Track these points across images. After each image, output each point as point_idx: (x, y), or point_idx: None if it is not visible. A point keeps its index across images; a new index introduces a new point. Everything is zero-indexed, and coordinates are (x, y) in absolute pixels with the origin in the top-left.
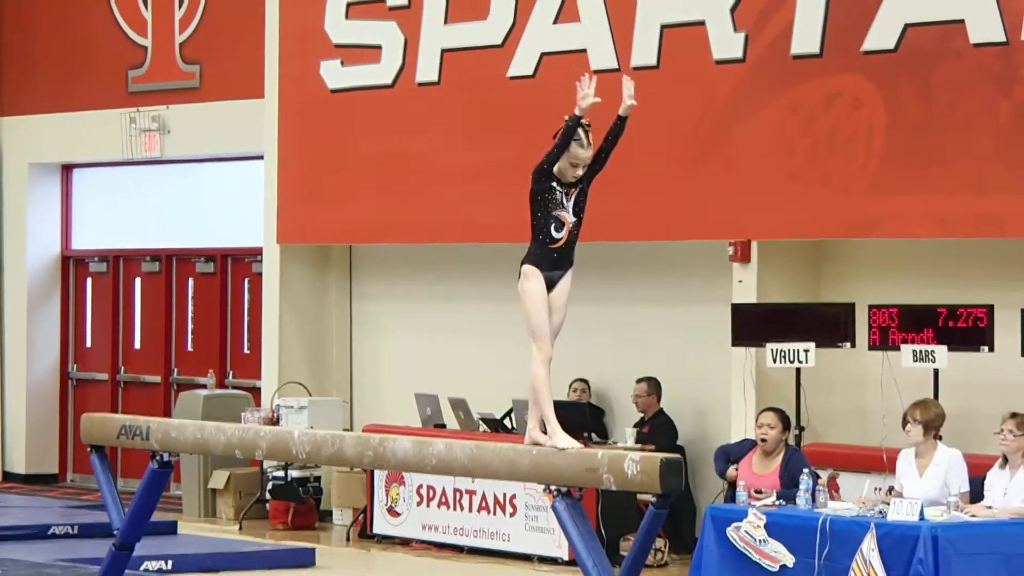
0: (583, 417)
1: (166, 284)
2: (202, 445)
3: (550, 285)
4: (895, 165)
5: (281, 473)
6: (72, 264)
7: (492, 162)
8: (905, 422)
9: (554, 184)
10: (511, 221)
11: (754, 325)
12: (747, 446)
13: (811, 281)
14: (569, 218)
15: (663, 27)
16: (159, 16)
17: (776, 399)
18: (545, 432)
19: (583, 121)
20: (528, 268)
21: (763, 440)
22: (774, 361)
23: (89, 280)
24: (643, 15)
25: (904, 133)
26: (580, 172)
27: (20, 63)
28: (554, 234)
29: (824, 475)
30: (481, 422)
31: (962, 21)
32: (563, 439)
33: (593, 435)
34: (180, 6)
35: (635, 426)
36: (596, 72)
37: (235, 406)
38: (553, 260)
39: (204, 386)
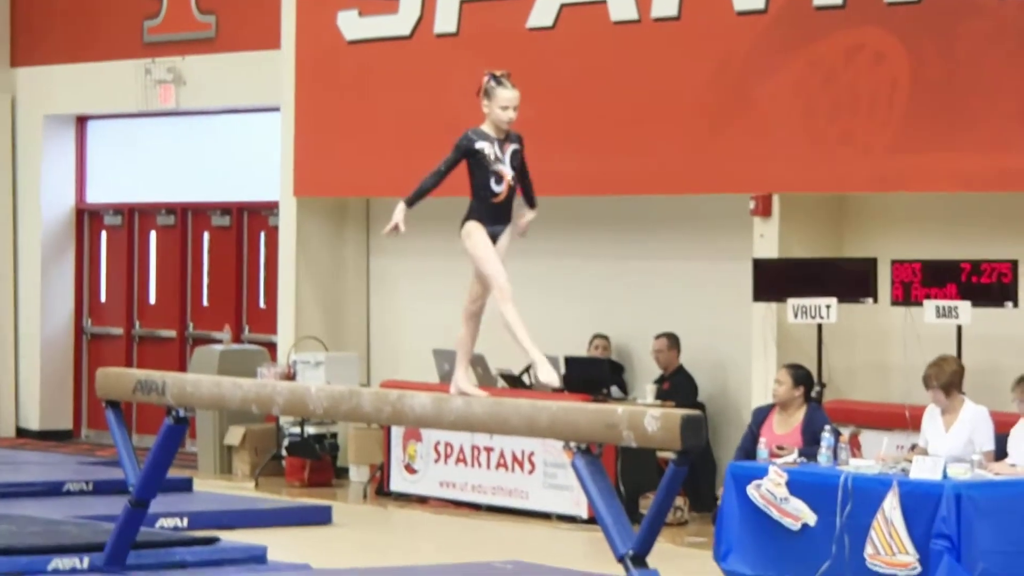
0: (603, 373)
1: (181, 238)
2: (218, 401)
3: (492, 240)
4: (918, 118)
5: (297, 430)
6: (87, 217)
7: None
8: (927, 385)
9: (480, 147)
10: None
11: (775, 280)
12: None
13: (833, 236)
14: (507, 171)
15: None
16: None
17: (797, 355)
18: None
19: (497, 73)
20: (471, 224)
21: (774, 395)
22: (795, 317)
23: (104, 234)
24: None
25: (927, 87)
26: (512, 114)
27: (34, 14)
28: (494, 187)
29: (846, 432)
30: (500, 378)
31: None
32: (546, 371)
33: (613, 391)
34: None
35: (655, 382)
36: (615, 23)
37: (251, 361)
38: (495, 215)
39: (220, 341)
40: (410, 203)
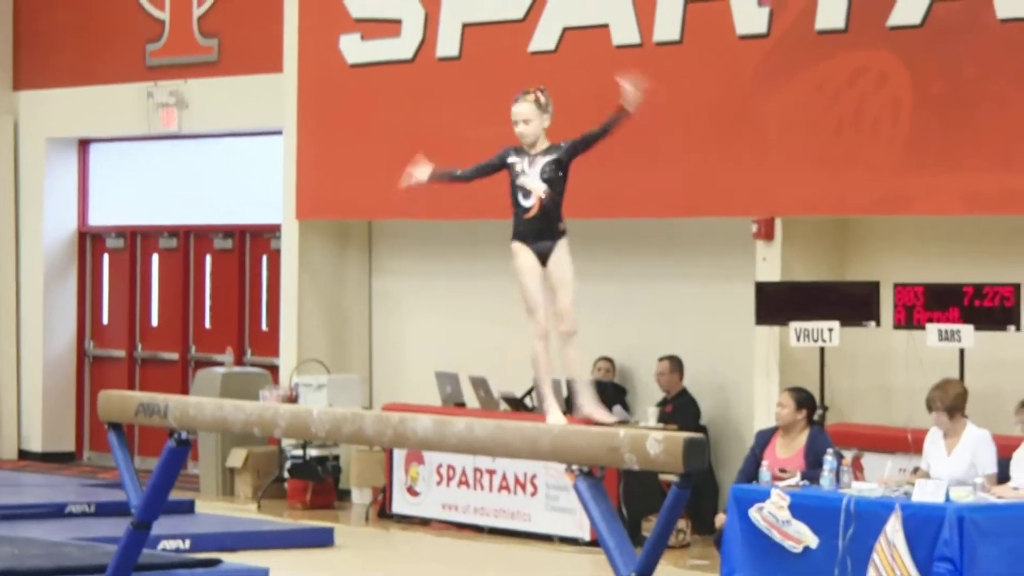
0: (605, 396)
1: (184, 260)
2: (220, 423)
3: (543, 260)
4: (921, 141)
5: (300, 452)
6: (89, 240)
7: (512, 138)
8: (930, 407)
9: (511, 161)
10: None
11: (778, 303)
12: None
13: (835, 259)
14: (534, 185)
15: (686, 1)
16: None
17: (799, 378)
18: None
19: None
20: (514, 245)
21: (776, 418)
22: (798, 340)
23: (106, 256)
24: None
25: (930, 109)
26: (522, 127)
27: (37, 37)
28: (523, 202)
29: (848, 455)
30: (502, 400)
31: None
32: (554, 415)
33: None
34: None
35: (658, 405)
36: (618, 47)
37: (253, 384)
38: (532, 231)
39: (222, 364)
40: (432, 175)
